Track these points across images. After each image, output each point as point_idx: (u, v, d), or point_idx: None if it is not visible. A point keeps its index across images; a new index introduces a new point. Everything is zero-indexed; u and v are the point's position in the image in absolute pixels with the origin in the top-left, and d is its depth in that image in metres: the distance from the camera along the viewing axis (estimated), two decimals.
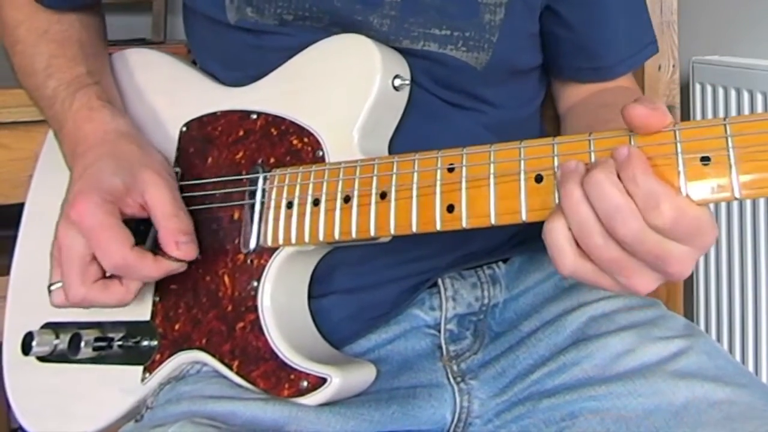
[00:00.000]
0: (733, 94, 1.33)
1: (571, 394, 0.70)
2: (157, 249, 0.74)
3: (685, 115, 1.40)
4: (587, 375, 0.71)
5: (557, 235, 0.55)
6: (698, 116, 1.40)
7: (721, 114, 1.35)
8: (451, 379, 0.76)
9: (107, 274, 0.74)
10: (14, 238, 0.91)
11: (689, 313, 1.46)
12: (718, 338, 1.39)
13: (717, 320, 1.40)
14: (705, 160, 0.52)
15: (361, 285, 0.78)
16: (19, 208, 0.92)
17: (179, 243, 0.73)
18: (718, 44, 1.42)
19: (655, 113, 0.54)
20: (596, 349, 0.72)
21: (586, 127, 0.58)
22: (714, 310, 1.40)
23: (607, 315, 0.76)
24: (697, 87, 1.40)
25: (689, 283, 1.42)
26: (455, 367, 0.77)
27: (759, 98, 1.27)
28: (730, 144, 0.51)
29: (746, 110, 1.30)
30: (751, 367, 1.31)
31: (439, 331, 0.79)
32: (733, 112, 1.32)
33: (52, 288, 0.75)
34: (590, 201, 0.53)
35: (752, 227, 1.29)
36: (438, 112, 0.80)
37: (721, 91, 1.35)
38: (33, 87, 0.85)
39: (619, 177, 0.53)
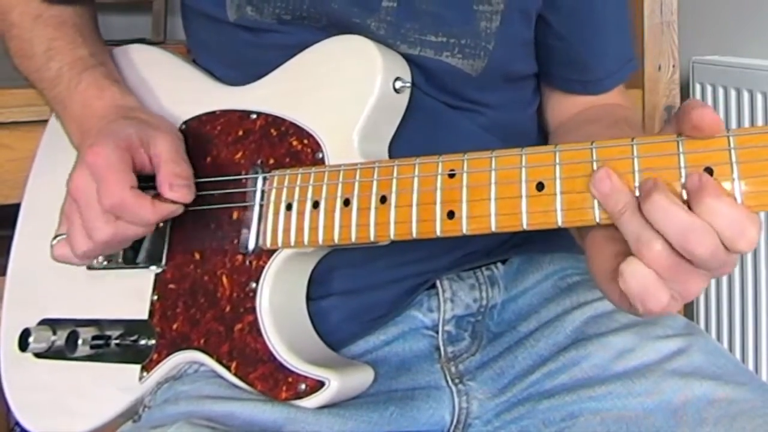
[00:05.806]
0: (733, 94, 1.33)
1: (571, 394, 0.70)
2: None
3: None
4: (587, 375, 0.71)
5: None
6: None
7: (722, 114, 1.34)
8: (449, 381, 0.76)
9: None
10: (13, 238, 0.91)
11: (689, 312, 1.46)
12: (718, 337, 1.39)
13: (717, 320, 1.40)
14: (708, 172, 0.51)
15: (360, 287, 0.77)
16: (18, 208, 0.92)
17: (173, 185, 0.73)
18: (718, 44, 1.42)
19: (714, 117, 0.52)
20: (596, 348, 0.72)
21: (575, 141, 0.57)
22: (714, 309, 1.40)
23: (606, 314, 0.76)
24: (697, 87, 1.40)
25: None
26: (453, 369, 0.77)
27: (759, 98, 1.27)
28: (733, 157, 0.50)
29: (746, 110, 1.30)
30: (751, 366, 1.31)
31: (438, 333, 0.79)
32: (733, 112, 1.32)
33: (54, 242, 0.75)
34: (656, 227, 0.51)
35: None
36: (436, 114, 0.80)
37: (721, 91, 1.35)
38: (32, 69, 0.85)
39: (689, 206, 0.51)
